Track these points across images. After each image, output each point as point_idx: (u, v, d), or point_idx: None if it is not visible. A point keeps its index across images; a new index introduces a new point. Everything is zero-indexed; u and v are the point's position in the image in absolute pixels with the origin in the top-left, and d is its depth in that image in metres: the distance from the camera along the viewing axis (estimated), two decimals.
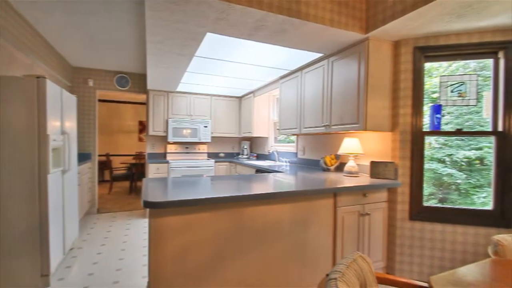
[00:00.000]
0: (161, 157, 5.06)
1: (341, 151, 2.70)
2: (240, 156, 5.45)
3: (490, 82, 2.23)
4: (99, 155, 5.34)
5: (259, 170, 3.55)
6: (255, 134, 4.81)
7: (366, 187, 2.20)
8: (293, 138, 4.18)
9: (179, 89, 4.70)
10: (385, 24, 2.11)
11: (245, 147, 5.39)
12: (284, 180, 2.37)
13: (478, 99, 2.23)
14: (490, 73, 2.24)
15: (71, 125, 2.87)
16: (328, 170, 3.03)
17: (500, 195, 2.15)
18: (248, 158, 5.17)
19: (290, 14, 2.00)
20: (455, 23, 2.05)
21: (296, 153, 3.98)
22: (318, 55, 2.85)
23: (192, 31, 2.24)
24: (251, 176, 2.59)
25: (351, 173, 2.61)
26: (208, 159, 4.92)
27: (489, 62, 2.24)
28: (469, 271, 1.14)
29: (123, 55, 3.88)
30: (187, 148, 5.21)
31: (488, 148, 2.29)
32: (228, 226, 1.68)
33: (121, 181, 7.35)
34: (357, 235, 2.21)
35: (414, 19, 2.00)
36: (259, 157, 5.20)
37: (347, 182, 2.26)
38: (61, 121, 2.55)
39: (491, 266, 1.20)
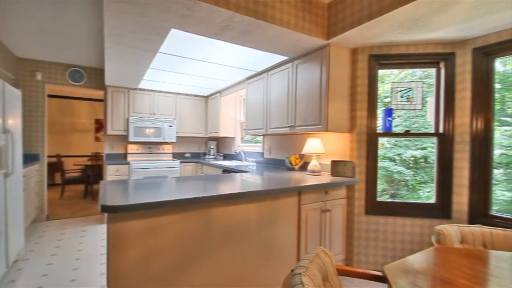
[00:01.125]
0: (121, 158, 4.78)
1: (305, 151, 2.81)
2: (206, 156, 5.38)
3: (433, 89, 2.51)
4: (49, 156, 4.85)
5: (226, 170, 3.54)
6: (222, 134, 4.78)
7: (328, 185, 2.32)
8: (260, 138, 4.24)
9: (141, 86, 4.48)
10: (344, 32, 2.25)
11: (212, 147, 5.33)
12: (251, 180, 2.40)
13: (423, 104, 2.50)
14: (433, 81, 2.52)
15: (14, 122, 2.57)
16: (293, 169, 3.13)
17: (441, 190, 2.43)
18: (215, 158, 5.12)
19: (257, 16, 2.03)
20: (405, 35, 2.27)
21: (262, 153, 4.05)
22: (284, 57, 2.93)
23: (157, 26, 2.15)
24: (218, 176, 2.57)
25: (314, 172, 2.74)
26: (173, 160, 4.76)
27: (432, 71, 2.51)
28: (416, 259, 1.27)
29: (77, 47, 3.58)
30: (150, 148, 4.99)
31: (431, 148, 2.57)
32: (195, 227, 1.66)
33: (75, 184, 6.78)
34: (319, 231, 2.33)
35: (369, 29, 2.17)
36: (226, 157, 5.19)
37: (311, 180, 2.37)
38: (3, 118, 2.28)
39: (434, 253, 1.35)
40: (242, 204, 1.87)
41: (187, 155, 5.38)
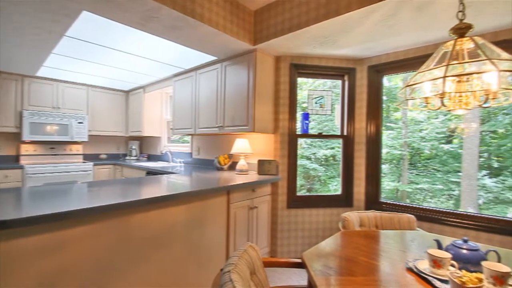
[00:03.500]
0: (12, 161, 3.89)
1: (233, 151, 2.90)
2: (127, 157, 4.90)
3: (339, 98, 2.96)
4: None
5: (151, 172, 3.32)
6: (146, 133, 4.44)
7: (255, 183, 2.46)
8: (188, 138, 4.13)
9: (40, 73, 3.73)
10: (269, 40, 2.43)
11: (134, 147, 4.89)
12: (178, 181, 2.33)
13: (332, 110, 2.92)
14: (339, 91, 2.96)
15: None
16: (221, 169, 3.18)
17: (345, 183, 2.89)
18: (138, 160, 4.72)
19: (185, 11, 1.98)
20: (318, 49, 2.59)
21: (191, 153, 3.96)
22: (213, 57, 2.94)
23: (64, 5, 1.86)
24: (140, 179, 2.40)
25: (242, 171, 2.86)
26: (84, 162, 4.16)
27: (339, 82, 2.96)
28: (327, 244, 1.49)
29: None
30: (53, 149, 4.22)
31: (338, 147, 3.04)
32: (114, 238, 1.52)
33: None
34: (247, 227, 2.46)
35: (290, 40, 2.39)
36: (151, 158, 4.85)
37: (239, 179, 2.47)
38: None
39: (340, 237, 1.61)
40: (170, 208, 1.81)
41: (103, 156, 4.78)
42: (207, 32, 2.26)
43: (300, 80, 3.00)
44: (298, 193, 2.87)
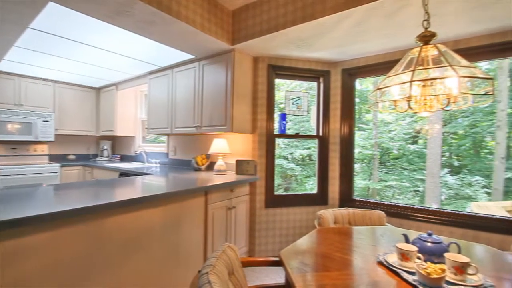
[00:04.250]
0: None
1: (211, 151, 2.88)
2: (98, 158, 4.67)
3: (315, 99, 3.05)
4: None
5: (124, 174, 3.19)
6: (119, 132, 4.26)
7: (233, 183, 2.46)
8: (164, 138, 4.02)
9: (1, 67, 3.44)
10: (247, 41, 2.44)
11: (105, 147, 4.66)
12: (154, 182, 2.27)
13: (308, 111, 3.00)
14: (315, 92, 3.05)
15: None
16: (199, 169, 3.14)
17: (321, 181, 2.98)
18: (110, 161, 4.51)
19: (161, 7, 1.93)
20: (295, 51, 2.65)
21: (167, 154, 3.86)
22: (190, 56, 2.89)
23: None
24: (113, 181, 2.30)
25: (220, 171, 2.84)
26: (50, 164, 3.89)
27: (315, 84, 3.04)
28: (304, 241, 1.53)
29: None
30: (14, 149, 3.90)
31: (314, 147, 3.13)
32: (83, 244, 1.44)
33: None
34: (225, 228, 2.45)
35: (268, 41, 2.42)
36: (124, 158, 4.65)
37: (217, 179, 2.45)
38: None
39: (316, 234, 1.66)
40: (146, 210, 1.75)
41: (71, 157, 4.51)
42: (184, 30, 2.22)
43: (277, 81, 3.04)
44: (276, 193, 2.91)
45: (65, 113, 4.24)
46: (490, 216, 2.21)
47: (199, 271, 0.99)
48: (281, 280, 1.41)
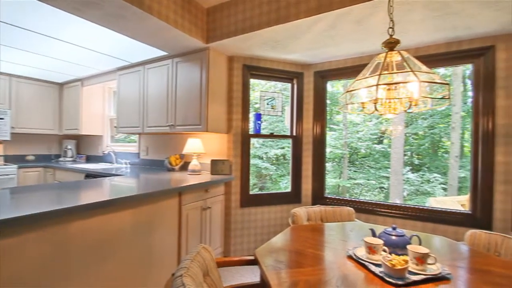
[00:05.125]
0: None
1: (185, 150, 2.82)
2: (61, 159, 4.35)
3: (289, 100, 3.11)
4: None
5: (91, 175, 3.01)
6: (84, 131, 4.01)
7: (208, 183, 2.44)
8: (135, 137, 3.86)
9: None
10: (222, 40, 2.42)
11: (69, 147, 4.36)
12: (123, 184, 2.17)
13: (282, 111, 3.06)
14: (289, 93, 3.11)
15: None
16: (173, 170, 3.06)
17: (294, 180, 3.05)
18: (74, 161, 4.23)
19: (131, 1, 1.85)
20: (270, 52, 2.69)
21: (138, 154, 3.71)
22: (163, 52, 2.80)
23: None
24: (78, 183, 2.17)
25: (194, 172, 2.79)
26: (6, 165, 3.55)
27: (289, 85, 3.11)
28: (278, 239, 1.56)
29: None
30: None
31: (288, 147, 3.20)
32: (49, 250, 1.34)
33: None
34: (200, 229, 2.41)
35: (243, 41, 2.43)
36: (90, 159, 4.38)
37: (191, 180, 2.41)
38: None
39: (290, 232, 1.70)
40: (114, 213, 1.67)
41: (30, 157, 4.16)
42: (156, 25, 2.15)
43: (252, 81, 3.06)
44: (251, 192, 2.92)
45: (23, 110, 3.90)
46: (446, 210, 2.42)
47: (173, 274, 0.98)
48: (257, 279, 1.43)
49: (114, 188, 2.00)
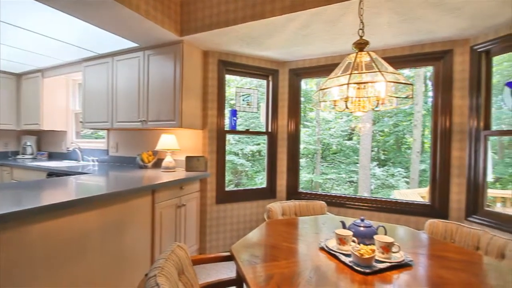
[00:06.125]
0: None
1: (159, 147, 2.74)
2: (20, 156, 4.00)
3: (265, 97, 3.14)
4: None
5: (54, 174, 2.81)
6: (46, 126, 3.71)
7: (183, 180, 2.39)
8: (103, 133, 3.66)
9: None
10: (196, 33, 2.37)
11: (29, 143, 4.02)
12: (91, 182, 2.06)
13: (258, 108, 3.08)
14: (265, 90, 3.14)
15: None
16: (145, 167, 2.96)
17: (270, 176, 3.09)
18: (35, 159, 3.91)
19: None
20: (246, 48, 2.68)
21: (107, 150, 3.52)
22: (133, 44, 2.67)
23: None
24: (40, 182, 2.01)
25: (168, 169, 2.72)
26: None
27: (264, 82, 3.13)
28: (254, 234, 1.58)
29: None
30: None
31: (263, 143, 3.23)
32: (5, 255, 1.24)
33: None
34: (174, 227, 2.36)
35: (218, 36, 2.40)
36: (53, 156, 4.08)
37: (165, 177, 2.35)
38: None
39: (265, 227, 1.73)
40: (81, 214, 1.58)
41: None
42: (126, 15, 2.04)
43: (228, 77, 3.03)
44: (227, 189, 2.92)
45: None
46: (409, 201, 2.61)
47: (146, 275, 0.95)
48: (233, 274, 1.44)
49: (81, 187, 1.89)
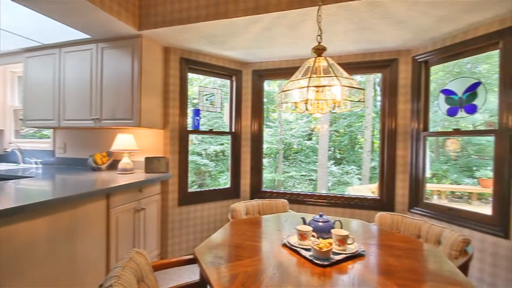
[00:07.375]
0: None
1: (114, 147, 2.56)
2: None
3: (228, 97, 3.13)
4: None
5: None
6: None
7: (142, 183, 2.27)
8: (48, 132, 3.29)
9: None
10: (156, 28, 2.27)
11: None
12: (34, 187, 1.85)
13: (222, 107, 3.06)
14: (228, 90, 3.13)
15: None
16: (99, 169, 2.74)
17: (233, 176, 3.10)
18: None
19: None
20: (209, 47, 2.65)
21: (53, 151, 3.18)
22: (85, 35, 2.45)
23: None
24: None
25: (125, 170, 2.56)
26: None
27: (228, 82, 3.12)
28: (218, 235, 1.57)
29: None
30: None
31: (227, 143, 3.23)
32: None
33: None
34: (132, 232, 2.24)
35: (180, 33, 2.33)
36: None
37: (122, 180, 2.20)
38: None
39: (230, 227, 1.73)
40: (23, 222, 1.41)
41: None
42: (76, 3, 1.87)
43: (191, 75, 2.96)
44: (190, 190, 2.85)
45: None
46: (361, 197, 2.84)
47: (101, 285, 0.89)
48: (196, 277, 1.42)
49: (21, 193, 1.69)
